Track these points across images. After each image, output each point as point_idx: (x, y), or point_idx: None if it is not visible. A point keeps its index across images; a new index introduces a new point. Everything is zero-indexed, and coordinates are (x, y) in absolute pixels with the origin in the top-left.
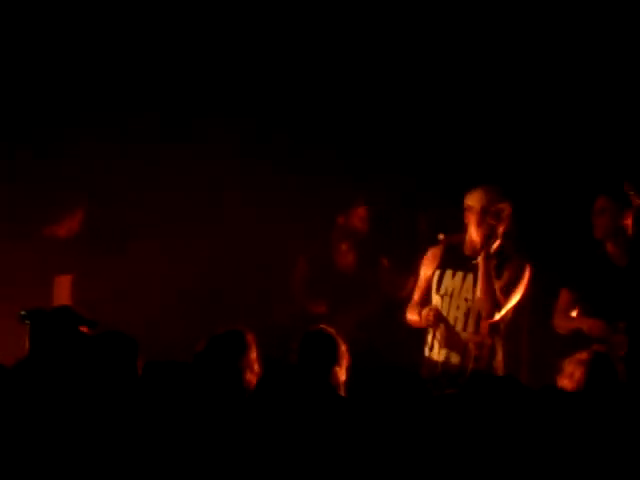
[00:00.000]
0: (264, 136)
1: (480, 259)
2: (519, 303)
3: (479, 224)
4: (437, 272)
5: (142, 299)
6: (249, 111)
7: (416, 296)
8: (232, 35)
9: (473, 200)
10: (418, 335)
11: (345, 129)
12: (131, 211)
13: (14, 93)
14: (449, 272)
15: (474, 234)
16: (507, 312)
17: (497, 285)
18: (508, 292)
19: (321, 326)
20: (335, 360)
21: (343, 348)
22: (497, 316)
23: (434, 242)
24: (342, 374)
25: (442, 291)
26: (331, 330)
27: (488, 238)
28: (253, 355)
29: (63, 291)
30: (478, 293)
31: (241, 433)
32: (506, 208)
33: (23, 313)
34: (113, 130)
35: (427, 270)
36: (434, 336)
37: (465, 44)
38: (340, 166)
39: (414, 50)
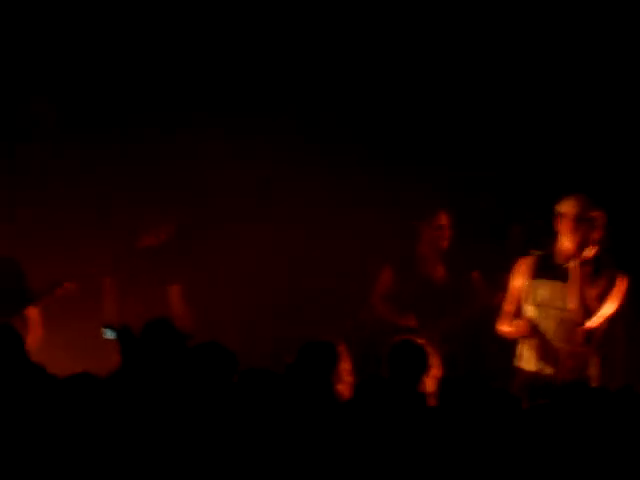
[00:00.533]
0: (349, 140)
1: (573, 265)
2: (614, 313)
3: (573, 231)
4: (529, 282)
5: (232, 306)
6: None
7: (508, 307)
8: (279, 41)
9: (567, 207)
10: (508, 346)
11: (430, 137)
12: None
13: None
14: (542, 282)
15: (567, 241)
16: (601, 322)
17: (591, 293)
18: (601, 301)
19: (410, 337)
20: (424, 370)
21: (433, 359)
22: (589, 323)
23: (525, 253)
24: (431, 384)
25: (535, 301)
26: (421, 341)
27: (581, 245)
28: (344, 366)
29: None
30: (570, 300)
31: (333, 443)
32: (599, 216)
33: (107, 330)
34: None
35: (518, 281)
36: (526, 346)
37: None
38: (425, 174)
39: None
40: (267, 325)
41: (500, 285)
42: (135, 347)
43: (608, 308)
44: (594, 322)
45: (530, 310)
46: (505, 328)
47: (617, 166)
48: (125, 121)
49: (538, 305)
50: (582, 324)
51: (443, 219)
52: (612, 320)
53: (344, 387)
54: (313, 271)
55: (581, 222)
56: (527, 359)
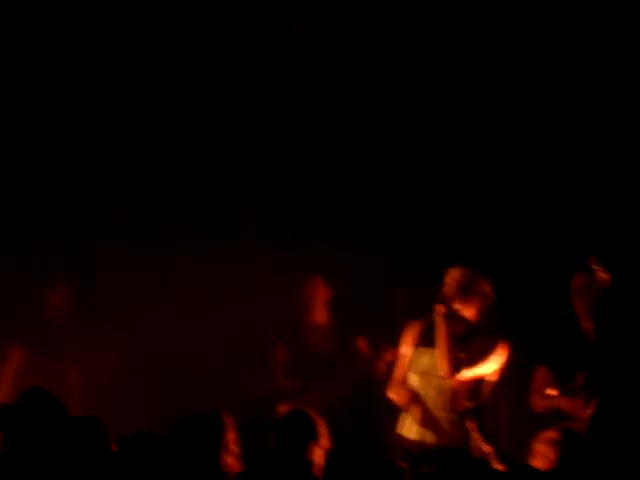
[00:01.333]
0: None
1: (436, 317)
2: (493, 380)
3: (456, 300)
4: (415, 350)
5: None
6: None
7: (397, 374)
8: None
9: (451, 276)
10: (393, 413)
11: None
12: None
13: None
14: (426, 350)
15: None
16: (484, 388)
17: (462, 355)
18: (474, 361)
19: (299, 406)
20: (313, 439)
21: (322, 428)
22: (457, 377)
23: (412, 318)
24: (319, 455)
25: (417, 370)
26: (310, 410)
27: (450, 300)
28: (231, 436)
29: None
30: (437, 354)
31: None
32: (484, 285)
33: None
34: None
35: (406, 348)
36: (409, 414)
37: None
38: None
39: None
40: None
41: (382, 352)
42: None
43: (480, 370)
44: (460, 377)
45: (413, 378)
46: (392, 395)
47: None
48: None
49: (420, 373)
50: (445, 375)
51: (321, 284)
52: (492, 388)
53: (230, 458)
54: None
55: (464, 291)
56: (408, 427)
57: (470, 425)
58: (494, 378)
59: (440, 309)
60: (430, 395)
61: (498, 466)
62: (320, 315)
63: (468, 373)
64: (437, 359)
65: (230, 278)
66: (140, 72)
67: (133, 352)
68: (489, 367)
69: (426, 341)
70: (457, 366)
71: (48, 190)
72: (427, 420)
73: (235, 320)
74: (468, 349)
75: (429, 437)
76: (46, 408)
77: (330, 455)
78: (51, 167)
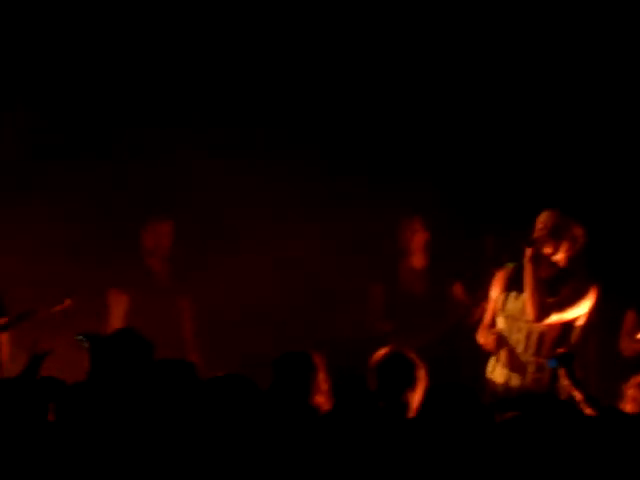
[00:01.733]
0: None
1: (525, 260)
2: (583, 324)
3: (547, 244)
4: (502, 294)
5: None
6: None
7: (486, 319)
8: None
9: (543, 220)
10: (483, 357)
11: (409, 148)
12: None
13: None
14: (513, 294)
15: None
16: (560, 325)
17: (552, 299)
18: (563, 306)
19: (400, 348)
20: (412, 383)
21: (421, 371)
22: (546, 321)
23: (501, 265)
24: (416, 398)
25: (505, 313)
26: (411, 353)
27: (540, 244)
28: (321, 376)
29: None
30: (525, 296)
31: (311, 454)
32: (576, 230)
33: (80, 337)
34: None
35: (494, 292)
36: (497, 358)
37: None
38: (405, 187)
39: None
40: (249, 339)
41: (479, 297)
42: (104, 355)
43: (570, 314)
44: (549, 321)
45: (501, 322)
46: (480, 339)
47: (596, 178)
48: (119, 136)
49: (508, 317)
50: (534, 319)
51: (417, 226)
52: (582, 331)
53: (322, 397)
54: (300, 285)
55: (556, 235)
56: (496, 370)
57: (560, 371)
58: (582, 322)
59: (529, 252)
60: (518, 339)
61: (589, 412)
62: (417, 258)
63: (556, 317)
64: (525, 303)
65: (325, 216)
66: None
67: (227, 291)
68: (578, 311)
69: (515, 286)
70: (545, 310)
71: (141, 130)
72: (514, 364)
73: (330, 261)
74: (557, 293)
75: (515, 381)
76: (134, 347)
77: (428, 395)
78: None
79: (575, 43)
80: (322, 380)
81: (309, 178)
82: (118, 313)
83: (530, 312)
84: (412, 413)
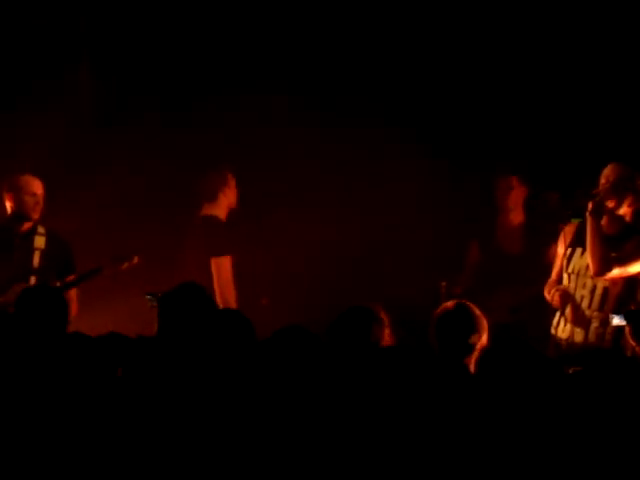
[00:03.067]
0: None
1: (587, 214)
2: None
3: (612, 198)
4: (568, 250)
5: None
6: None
7: (553, 274)
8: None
9: (606, 174)
10: (549, 312)
11: (475, 113)
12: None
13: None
14: (578, 250)
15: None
16: (637, 288)
17: (615, 253)
18: (626, 260)
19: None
20: (473, 332)
21: (483, 322)
22: (608, 275)
23: (567, 221)
24: (481, 343)
25: (570, 269)
26: (472, 305)
27: (603, 197)
28: (387, 331)
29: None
30: (587, 251)
31: (374, 406)
32: (637, 178)
33: (149, 297)
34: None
35: (561, 248)
36: (561, 314)
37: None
38: (472, 149)
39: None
40: (315, 293)
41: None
42: (171, 312)
43: (632, 269)
44: (612, 275)
45: (565, 278)
46: (547, 295)
47: None
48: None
49: (572, 273)
50: (596, 274)
51: (515, 184)
52: None
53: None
54: (367, 241)
55: (619, 188)
56: (561, 327)
57: (626, 328)
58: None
59: (591, 205)
60: (582, 295)
61: None
62: (514, 216)
63: (618, 271)
64: (589, 258)
65: (412, 178)
66: None
67: (301, 242)
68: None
69: (581, 242)
70: (606, 264)
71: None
72: (578, 320)
73: (423, 219)
74: (620, 248)
75: (578, 337)
76: (197, 300)
77: (487, 351)
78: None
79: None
80: (387, 335)
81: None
82: (182, 271)
83: (591, 265)
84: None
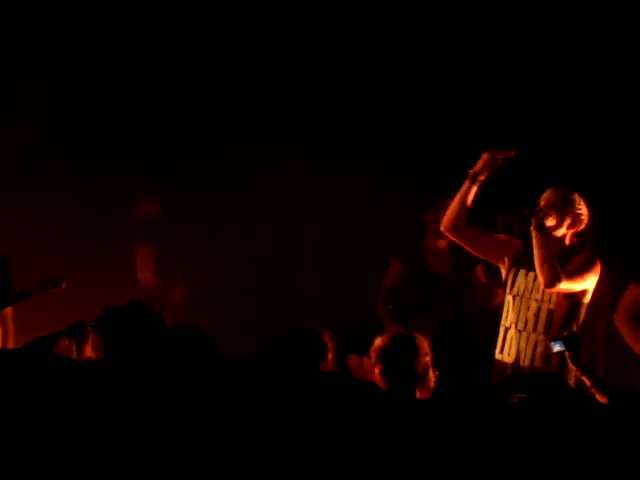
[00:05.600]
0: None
1: (532, 229)
2: (589, 303)
3: (551, 220)
4: (511, 270)
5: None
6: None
7: None
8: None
9: (546, 196)
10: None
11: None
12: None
13: None
14: (522, 271)
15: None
16: (579, 310)
17: (563, 269)
18: (572, 274)
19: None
20: (414, 363)
21: (424, 359)
22: (557, 286)
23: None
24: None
25: (515, 291)
26: (417, 334)
27: (539, 212)
28: (330, 356)
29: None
30: (535, 265)
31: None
32: (580, 205)
33: (94, 324)
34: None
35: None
36: (504, 338)
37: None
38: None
39: None
40: (252, 306)
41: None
42: (118, 331)
43: (578, 284)
44: (560, 287)
45: (510, 300)
46: None
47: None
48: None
49: (517, 295)
50: (547, 285)
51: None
52: (590, 309)
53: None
54: (312, 260)
55: (560, 208)
56: (506, 350)
57: (567, 354)
58: (588, 301)
59: (534, 221)
60: (527, 317)
61: (599, 397)
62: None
63: (566, 284)
64: (537, 269)
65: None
66: None
67: (232, 257)
68: (585, 284)
69: (524, 261)
70: (557, 275)
71: None
72: (523, 343)
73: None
74: (564, 268)
75: (526, 361)
76: (146, 320)
77: (439, 379)
78: None
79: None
80: (331, 361)
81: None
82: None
83: (541, 277)
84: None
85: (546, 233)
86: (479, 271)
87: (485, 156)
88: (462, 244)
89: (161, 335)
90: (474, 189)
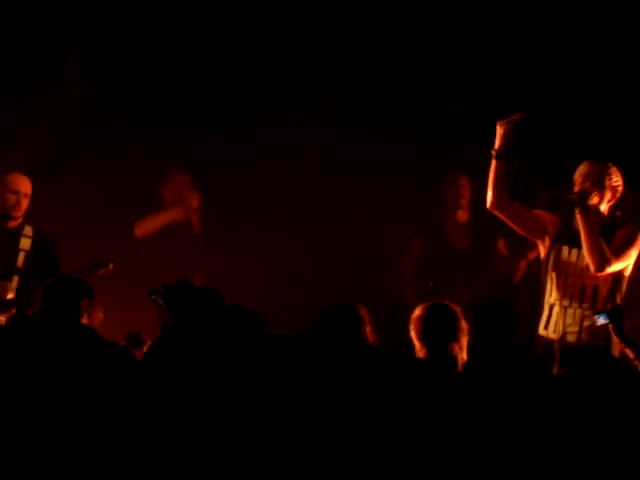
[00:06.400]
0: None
1: (577, 212)
2: (628, 276)
3: (592, 192)
4: (554, 247)
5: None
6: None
7: None
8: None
9: (584, 172)
10: (534, 313)
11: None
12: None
13: None
14: (565, 248)
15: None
16: (622, 284)
17: (607, 246)
18: (618, 252)
19: (445, 302)
20: (455, 335)
21: (464, 325)
22: (607, 270)
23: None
24: (462, 352)
25: (558, 268)
26: (455, 306)
27: (586, 194)
28: (367, 328)
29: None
30: (584, 249)
31: (363, 405)
32: (615, 175)
33: (153, 296)
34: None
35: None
36: (549, 314)
37: None
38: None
39: None
40: (288, 292)
41: (524, 252)
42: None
43: (625, 260)
44: (610, 269)
45: (554, 277)
46: None
47: None
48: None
49: (560, 273)
50: (596, 269)
51: (464, 182)
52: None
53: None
54: (339, 239)
55: (599, 184)
56: (552, 327)
57: (610, 327)
58: (629, 273)
59: (578, 205)
60: (572, 294)
61: None
62: (461, 213)
63: (616, 265)
64: (585, 253)
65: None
66: None
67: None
68: (631, 259)
69: (566, 238)
70: (606, 259)
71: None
72: (569, 319)
73: (372, 223)
74: (609, 243)
75: (572, 337)
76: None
77: (474, 350)
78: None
79: None
80: (369, 333)
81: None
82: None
83: (591, 263)
84: (459, 367)
85: (591, 212)
86: (501, 245)
87: (499, 128)
88: (507, 221)
89: (218, 311)
90: (503, 166)
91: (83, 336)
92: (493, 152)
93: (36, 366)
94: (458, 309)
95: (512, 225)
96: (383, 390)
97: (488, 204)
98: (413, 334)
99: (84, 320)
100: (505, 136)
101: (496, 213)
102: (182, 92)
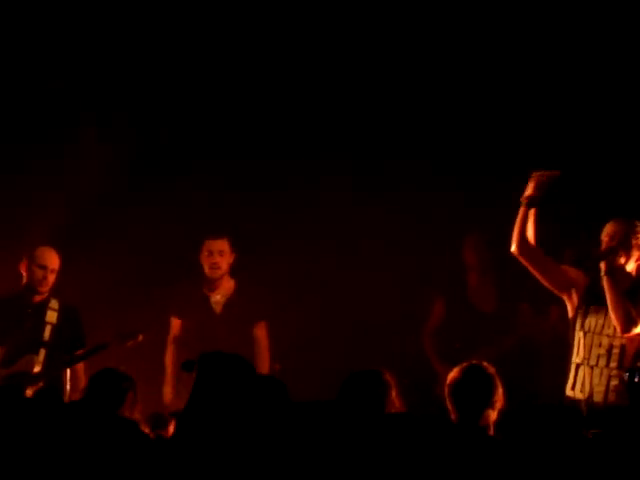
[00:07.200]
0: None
1: (603, 274)
2: None
3: (619, 253)
4: (582, 308)
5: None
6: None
7: None
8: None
9: (611, 231)
10: (560, 373)
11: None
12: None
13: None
14: (593, 308)
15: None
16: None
17: (634, 306)
18: None
19: (483, 363)
20: (491, 400)
21: (500, 390)
22: (634, 331)
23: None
24: (494, 415)
25: (586, 327)
26: (491, 369)
27: (609, 253)
28: (393, 393)
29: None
30: (610, 310)
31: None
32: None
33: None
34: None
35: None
36: (576, 374)
37: None
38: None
39: None
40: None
41: (548, 314)
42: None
43: None
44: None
45: (581, 336)
46: None
47: None
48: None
49: (588, 332)
50: (623, 331)
51: (482, 242)
52: None
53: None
54: (363, 303)
55: (626, 244)
56: (578, 387)
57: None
58: None
59: (605, 265)
60: (599, 354)
61: None
62: (483, 274)
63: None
64: (611, 315)
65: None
66: None
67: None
68: None
69: (594, 299)
70: (632, 320)
71: None
72: (596, 379)
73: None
74: (636, 303)
75: (598, 397)
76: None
77: (505, 416)
78: None
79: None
80: (395, 398)
81: None
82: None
83: (617, 324)
84: (490, 430)
85: (617, 273)
86: (524, 309)
87: (533, 178)
88: (532, 269)
89: (248, 382)
90: (532, 213)
91: (124, 429)
92: (522, 199)
93: (65, 454)
94: (492, 371)
95: (537, 274)
96: (411, 459)
97: (513, 248)
98: (447, 398)
99: (126, 412)
100: (537, 187)
101: (521, 259)
102: (217, 156)
